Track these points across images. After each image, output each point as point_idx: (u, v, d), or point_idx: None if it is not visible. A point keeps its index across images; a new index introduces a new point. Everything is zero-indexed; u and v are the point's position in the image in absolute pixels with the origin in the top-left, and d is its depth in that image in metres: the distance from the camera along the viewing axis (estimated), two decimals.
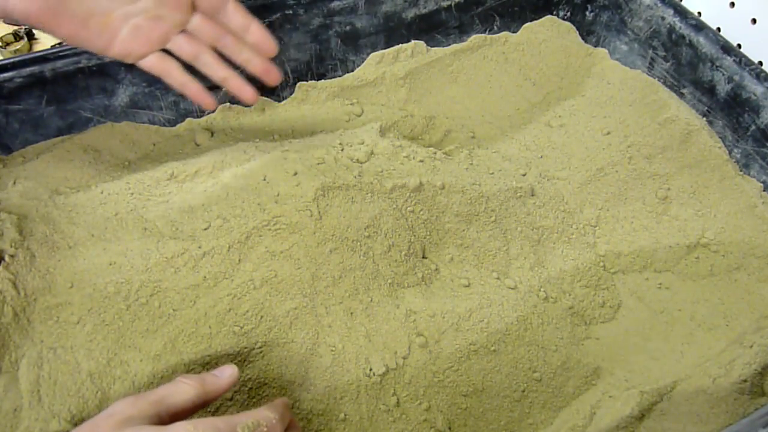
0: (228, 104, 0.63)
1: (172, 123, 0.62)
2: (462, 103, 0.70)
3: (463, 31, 0.71)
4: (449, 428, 0.49)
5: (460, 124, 0.68)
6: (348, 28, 0.65)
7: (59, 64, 0.56)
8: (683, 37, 0.66)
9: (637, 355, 0.54)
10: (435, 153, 0.59)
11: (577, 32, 0.75)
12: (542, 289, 0.55)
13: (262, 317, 0.46)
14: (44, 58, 0.55)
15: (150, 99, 0.60)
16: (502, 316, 0.51)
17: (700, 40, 0.65)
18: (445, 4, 0.69)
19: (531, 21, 0.74)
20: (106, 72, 0.57)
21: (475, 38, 0.71)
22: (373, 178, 0.51)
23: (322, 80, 0.66)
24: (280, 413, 0.37)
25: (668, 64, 0.68)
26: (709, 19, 0.68)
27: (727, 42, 0.64)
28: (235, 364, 0.45)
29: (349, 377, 0.47)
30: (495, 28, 0.73)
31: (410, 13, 0.68)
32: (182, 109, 0.62)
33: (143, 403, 0.35)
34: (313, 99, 0.65)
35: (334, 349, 0.47)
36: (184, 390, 0.36)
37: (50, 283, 0.45)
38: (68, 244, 0.46)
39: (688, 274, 0.60)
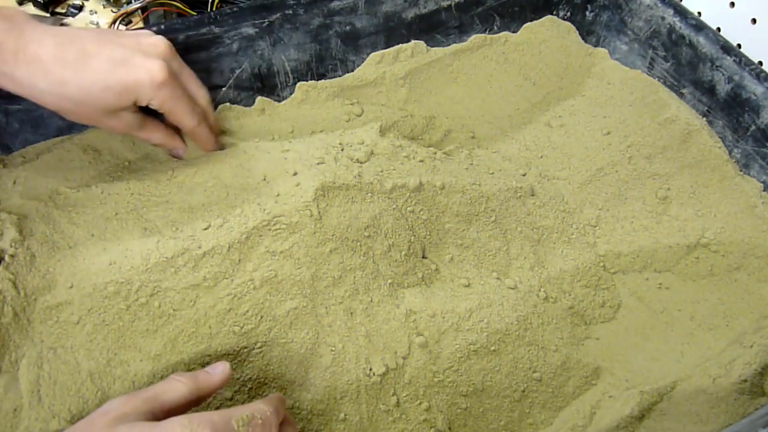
0: (228, 104, 0.63)
1: None
2: (462, 103, 0.70)
3: (463, 31, 0.71)
4: (449, 428, 0.49)
5: (460, 124, 0.68)
6: (348, 28, 0.65)
7: None
8: (683, 37, 0.66)
9: (637, 355, 0.54)
10: (435, 153, 0.59)
11: (577, 32, 0.75)
12: (542, 289, 0.55)
13: (262, 317, 0.46)
14: None
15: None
16: (502, 316, 0.51)
17: (700, 40, 0.65)
18: (445, 4, 0.69)
19: (531, 21, 0.74)
20: None
21: (475, 38, 0.71)
22: (373, 178, 0.51)
23: (322, 80, 0.66)
24: (274, 406, 0.38)
25: (668, 64, 0.68)
26: (709, 19, 0.68)
27: (727, 42, 0.64)
28: (235, 364, 0.46)
29: (349, 377, 0.47)
30: (495, 28, 0.73)
31: (410, 13, 0.68)
32: None
33: (137, 401, 0.35)
34: (313, 99, 0.65)
35: (334, 349, 0.47)
36: (177, 387, 0.37)
37: (50, 283, 0.45)
38: (68, 244, 0.46)
39: (688, 274, 0.60)
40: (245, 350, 0.46)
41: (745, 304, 0.56)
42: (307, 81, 0.66)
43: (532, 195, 0.60)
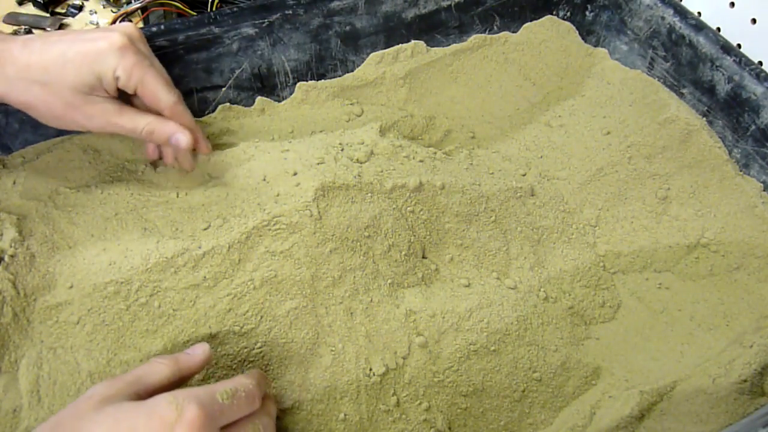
0: (228, 104, 0.63)
1: None
2: (462, 103, 0.70)
3: (463, 31, 0.71)
4: (449, 428, 0.49)
5: (460, 124, 0.68)
6: (348, 28, 0.65)
7: None
8: (683, 37, 0.66)
9: (637, 355, 0.54)
10: (435, 153, 0.59)
11: (577, 32, 0.75)
12: (542, 289, 0.55)
13: (262, 317, 0.46)
14: None
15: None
16: (502, 316, 0.51)
17: (700, 40, 0.65)
18: (445, 4, 0.69)
19: (531, 21, 0.74)
20: None
21: (475, 38, 0.71)
22: (373, 178, 0.51)
23: (322, 80, 0.66)
24: (256, 379, 0.39)
25: (668, 64, 0.68)
26: (709, 19, 0.68)
27: (727, 42, 0.64)
28: (235, 364, 0.46)
29: (349, 377, 0.47)
30: (495, 28, 0.73)
31: (410, 13, 0.68)
32: None
33: (121, 384, 0.35)
34: (313, 99, 0.65)
35: (334, 349, 0.47)
36: (159, 369, 0.37)
37: (50, 283, 0.45)
38: (68, 244, 0.46)
39: (688, 274, 0.60)
40: (245, 350, 0.46)
41: (745, 304, 0.56)
42: (307, 81, 0.66)
43: (532, 195, 0.60)
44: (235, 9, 0.61)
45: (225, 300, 0.46)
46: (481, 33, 0.72)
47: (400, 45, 0.68)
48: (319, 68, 0.66)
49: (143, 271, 0.45)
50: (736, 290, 0.58)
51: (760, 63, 0.64)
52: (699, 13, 0.69)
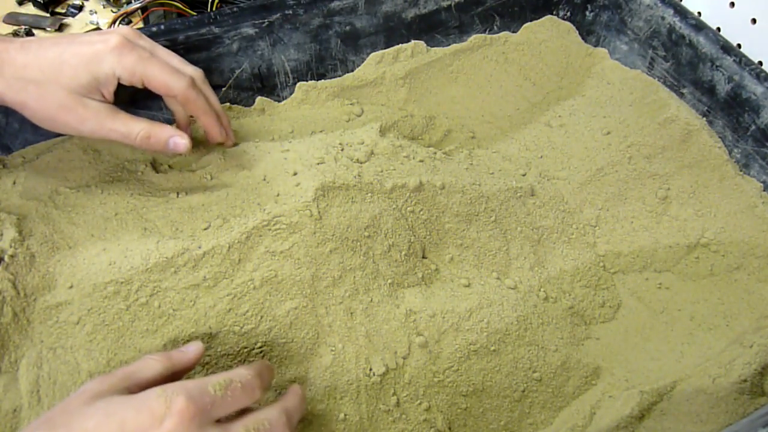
0: (228, 104, 0.63)
1: (172, 123, 0.62)
2: (462, 103, 0.70)
3: (463, 31, 0.71)
4: (449, 428, 0.49)
5: (460, 124, 0.68)
6: (348, 28, 0.65)
7: None
8: (683, 37, 0.66)
9: (637, 355, 0.54)
10: (435, 153, 0.59)
11: (577, 32, 0.75)
12: (542, 289, 0.55)
13: (262, 317, 0.46)
14: None
15: (150, 99, 0.60)
16: (502, 316, 0.51)
17: (700, 40, 0.65)
18: (445, 4, 0.69)
19: (531, 21, 0.74)
20: None
21: (475, 38, 0.71)
22: (373, 178, 0.51)
23: (322, 80, 0.66)
24: (256, 370, 0.38)
25: (668, 64, 0.68)
26: (709, 19, 0.68)
27: (727, 42, 0.64)
28: (235, 364, 0.46)
29: (349, 377, 0.47)
30: (495, 28, 0.73)
31: (410, 13, 0.68)
32: None
33: (113, 379, 0.35)
34: (313, 99, 0.65)
35: (334, 349, 0.47)
36: (151, 365, 0.37)
37: (50, 283, 0.45)
38: (68, 244, 0.46)
39: (688, 274, 0.60)
40: (245, 350, 0.46)
41: (745, 304, 0.56)
42: (307, 81, 0.66)
43: (532, 195, 0.60)
44: (235, 9, 0.61)
45: (225, 300, 0.46)
46: (481, 33, 0.72)
47: (400, 45, 0.68)
48: (319, 68, 0.66)
49: (143, 271, 0.45)
50: (736, 290, 0.58)
51: (760, 63, 0.64)
52: (699, 13, 0.69)
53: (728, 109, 0.63)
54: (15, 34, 0.78)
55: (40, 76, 0.45)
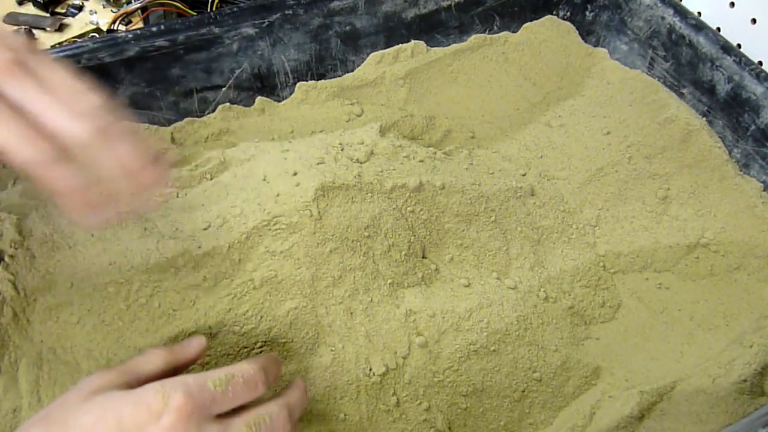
0: (228, 104, 0.63)
1: (172, 123, 0.62)
2: (462, 103, 0.70)
3: (463, 31, 0.71)
4: (449, 428, 0.49)
5: (460, 124, 0.68)
6: (348, 28, 0.65)
7: None
8: (683, 37, 0.66)
9: (637, 355, 0.54)
10: (435, 153, 0.59)
11: (577, 32, 0.75)
12: (542, 289, 0.55)
13: (262, 317, 0.46)
14: None
15: (150, 99, 0.60)
16: (502, 316, 0.51)
17: (700, 40, 0.65)
18: (445, 4, 0.69)
19: (531, 21, 0.74)
20: (106, 72, 0.57)
21: (475, 38, 0.71)
22: (373, 178, 0.51)
23: (322, 80, 0.66)
24: (260, 364, 0.37)
25: (668, 64, 0.68)
26: (709, 19, 0.68)
27: (727, 42, 0.64)
28: (233, 364, 0.46)
29: (349, 377, 0.47)
30: (495, 28, 0.73)
31: (410, 13, 0.68)
32: (182, 109, 0.62)
33: (112, 374, 0.35)
34: (313, 99, 0.65)
35: (334, 349, 0.47)
36: (152, 360, 0.37)
37: (50, 283, 0.44)
38: (68, 244, 0.46)
39: (688, 274, 0.60)
40: (245, 350, 0.46)
41: (745, 304, 0.56)
42: (307, 81, 0.66)
43: (532, 195, 0.60)
44: (235, 9, 0.61)
45: (225, 300, 0.46)
46: (481, 33, 0.72)
47: (400, 45, 0.68)
48: (319, 68, 0.66)
49: (143, 271, 0.45)
50: (736, 290, 0.58)
51: (760, 63, 0.64)
52: (699, 13, 0.69)
53: (728, 109, 0.63)
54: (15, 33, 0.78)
55: None
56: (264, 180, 0.51)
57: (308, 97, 0.65)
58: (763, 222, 0.59)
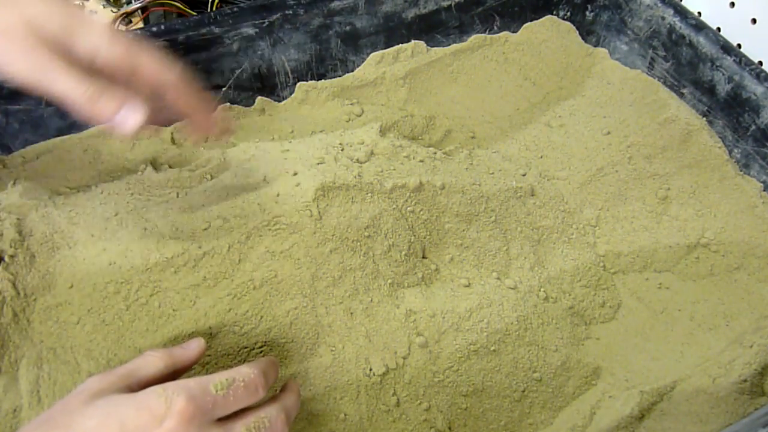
0: (228, 104, 0.63)
1: (172, 123, 0.62)
2: (462, 103, 0.70)
3: (463, 31, 0.71)
4: (449, 428, 0.49)
5: (460, 124, 0.68)
6: (348, 28, 0.65)
7: None
8: (683, 37, 0.66)
9: (637, 355, 0.54)
10: (435, 153, 0.59)
11: (577, 32, 0.75)
12: (542, 289, 0.55)
13: (262, 317, 0.46)
14: None
15: (150, 99, 0.60)
16: (502, 316, 0.51)
17: (700, 40, 0.65)
18: (445, 4, 0.69)
19: (531, 21, 0.74)
20: None
21: (475, 38, 0.71)
22: (373, 178, 0.51)
23: (322, 80, 0.66)
24: (260, 368, 0.37)
25: (668, 64, 0.68)
26: (709, 19, 0.68)
27: (727, 42, 0.64)
28: (235, 364, 0.46)
29: (349, 377, 0.47)
30: (495, 28, 0.73)
31: (410, 13, 0.68)
32: None
33: (113, 377, 0.35)
34: (313, 99, 0.65)
35: (334, 349, 0.47)
36: (152, 362, 0.37)
37: (50, 283, 0.44)
38: (68, 244, 0.46)
39: (688, 274, 0.60)
40: (245, 350, 0.46)
41: (745, 304, 0.56)
42: (307, 81, 0.66)
43: (532, 195, 0.60)
44: (235, 9, 0.61)
45: (225, 300, 0.46)
46: (481, 33, 0.72)
47: (400, 45, 0.68)
48: (319, 68, 0.66)
49: (143, 271, 0.45)
50: (736, 290, 0.58)
51: (760, 63, 0.64)
52: (699, 13, 0.69)
53: (728, 109, 0.63)
54: None
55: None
56: (264, 180, 0.51)
57: (308, 97, 0.65)
58: (763, 222, 0.59)
